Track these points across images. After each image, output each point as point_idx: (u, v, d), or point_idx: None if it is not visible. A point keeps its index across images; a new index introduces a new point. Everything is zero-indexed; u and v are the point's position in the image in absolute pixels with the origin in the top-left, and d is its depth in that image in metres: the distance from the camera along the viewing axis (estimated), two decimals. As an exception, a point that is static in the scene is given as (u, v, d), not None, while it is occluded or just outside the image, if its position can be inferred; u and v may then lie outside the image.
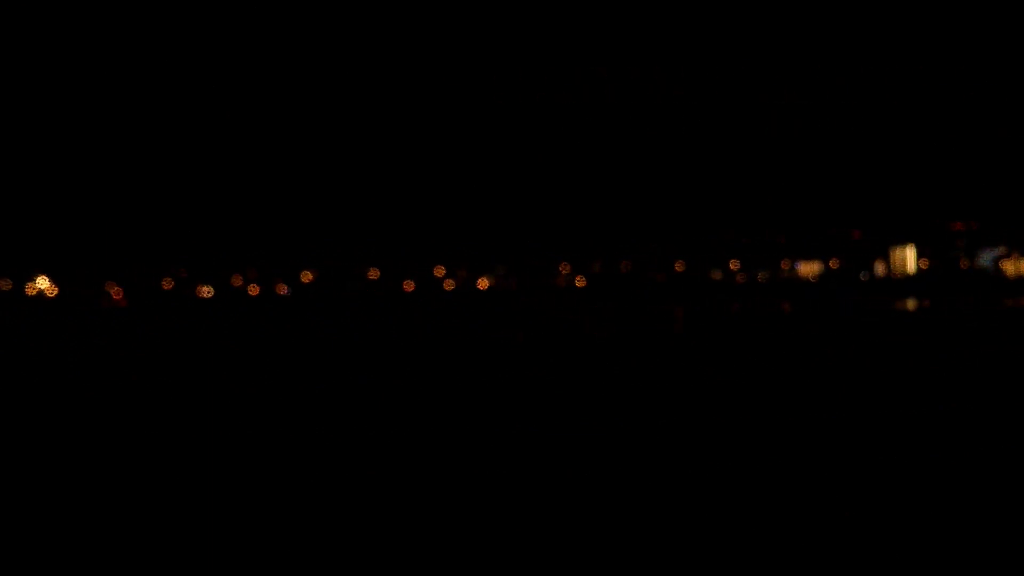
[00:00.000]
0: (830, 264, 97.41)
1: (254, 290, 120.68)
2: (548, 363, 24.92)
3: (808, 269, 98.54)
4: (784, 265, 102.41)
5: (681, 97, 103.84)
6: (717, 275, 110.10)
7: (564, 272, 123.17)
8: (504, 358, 27.36)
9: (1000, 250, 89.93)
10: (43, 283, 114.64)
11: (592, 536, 8.48)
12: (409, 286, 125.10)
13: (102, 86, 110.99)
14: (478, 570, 7.64)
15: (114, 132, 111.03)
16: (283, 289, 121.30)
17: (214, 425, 15.31)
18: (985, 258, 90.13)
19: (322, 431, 14.34)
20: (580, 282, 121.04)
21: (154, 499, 10.18)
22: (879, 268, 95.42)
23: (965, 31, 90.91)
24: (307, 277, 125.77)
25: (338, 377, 22.84)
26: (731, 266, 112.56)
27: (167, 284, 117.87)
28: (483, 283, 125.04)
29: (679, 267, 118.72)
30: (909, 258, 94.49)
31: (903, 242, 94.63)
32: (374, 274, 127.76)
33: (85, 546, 8.71)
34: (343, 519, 9.12)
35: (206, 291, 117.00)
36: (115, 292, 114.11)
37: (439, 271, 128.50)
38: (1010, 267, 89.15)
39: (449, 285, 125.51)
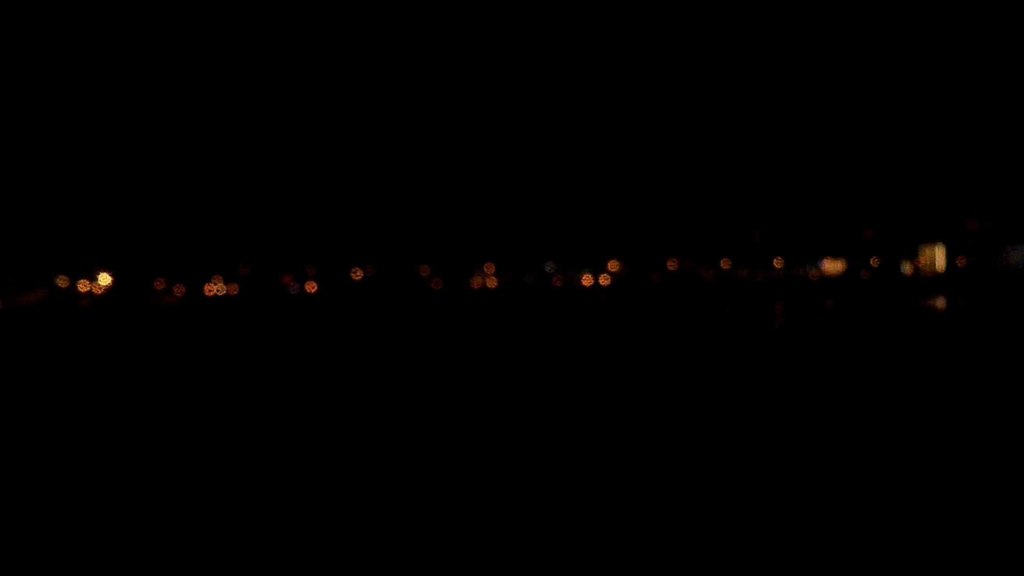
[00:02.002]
0: (870, 262, 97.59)
1: (293, 286, 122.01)
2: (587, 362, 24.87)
3: (832, 267, 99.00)
4: (824, 264, 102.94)
5: (720, 99, 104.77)
6: (743, 273, 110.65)
7: (614, 270, 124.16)
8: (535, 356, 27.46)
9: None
10: (104, 280, 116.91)
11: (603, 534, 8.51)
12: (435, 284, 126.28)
13: (166, 94, 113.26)
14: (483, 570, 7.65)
15: (168, 136, 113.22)
16: (312, 287, 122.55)
17: (224, 423, 15.57)
18: (1016, 256, 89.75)
19: (329, 429, 14.48)
20: (603, 280, 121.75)
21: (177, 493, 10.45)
22: (906, 267, 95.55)
23: (995, 29, 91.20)
24: (358, 274, 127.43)
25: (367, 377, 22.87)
26: (775, 263, 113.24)
27: (217, 281, 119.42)
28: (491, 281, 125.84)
29: (725, 264, 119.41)
30: (938, 256, 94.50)
31: (932, 241, 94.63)
32: (425, 271, 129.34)
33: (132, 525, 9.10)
34: (344, 517, 9.23)
35: (219, 287, 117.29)
36: (167, 289, 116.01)
37: (489, 268, 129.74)
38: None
39: (493, 282, 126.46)
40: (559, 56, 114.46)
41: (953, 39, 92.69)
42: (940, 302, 60.79)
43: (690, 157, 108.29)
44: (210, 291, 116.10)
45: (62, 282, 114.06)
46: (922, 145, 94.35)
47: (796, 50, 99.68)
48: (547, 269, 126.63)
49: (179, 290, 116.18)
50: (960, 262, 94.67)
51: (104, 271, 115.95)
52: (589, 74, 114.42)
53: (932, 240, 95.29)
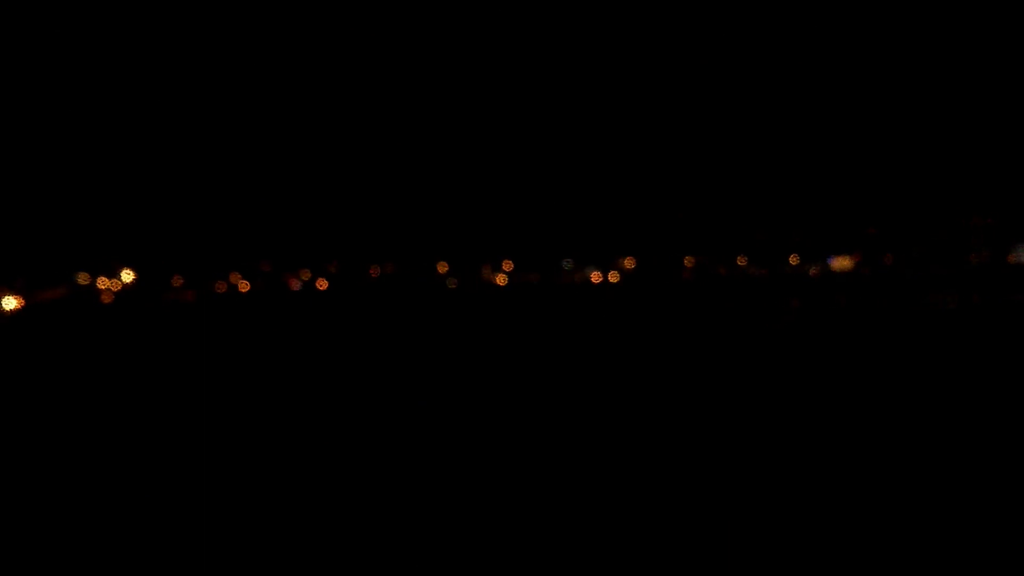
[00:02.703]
0: (872, 259, 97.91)
1: (322, 284, 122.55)
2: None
3: (840, 264, 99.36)
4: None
5: (732, 101, 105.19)
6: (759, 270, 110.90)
7: (629, 267, 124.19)
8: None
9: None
10: (124, 276, 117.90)
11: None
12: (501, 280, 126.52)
13: (187, 94, 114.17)
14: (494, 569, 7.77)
15: (190, 131, 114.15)
16: (323, 284, 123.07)
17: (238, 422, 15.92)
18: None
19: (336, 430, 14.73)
20: (613, 278, 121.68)
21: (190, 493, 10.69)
22: (915, 264, 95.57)
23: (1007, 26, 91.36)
24: (376, 272, 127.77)
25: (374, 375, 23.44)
26: (791, 260, 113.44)
27: (235, 279, 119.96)
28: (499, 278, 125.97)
29: (741, 262, 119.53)
30: (949, 254, 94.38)
31: (941, 238, 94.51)
32: (443, 268, 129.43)
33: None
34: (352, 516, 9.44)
35: (242, 285, 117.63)
36: (185, 286, 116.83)
37: (508, 265, 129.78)
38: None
39: (502, 280, 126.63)
40: (578, 58, 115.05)
41: (959, 36, 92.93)
42: (951, 300, 60.45)
43: (698, 156, 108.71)
44: (222, 288, 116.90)
45: (82, 279, 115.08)
46: (929, 142, 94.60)
47: (807, 52, 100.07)
48: (565, 266, 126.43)
49: (194, 287, 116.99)
50: (973, 259, 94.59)
51: (124, 268, 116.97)
52: (606, 76, 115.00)
53: (941, 237, 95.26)
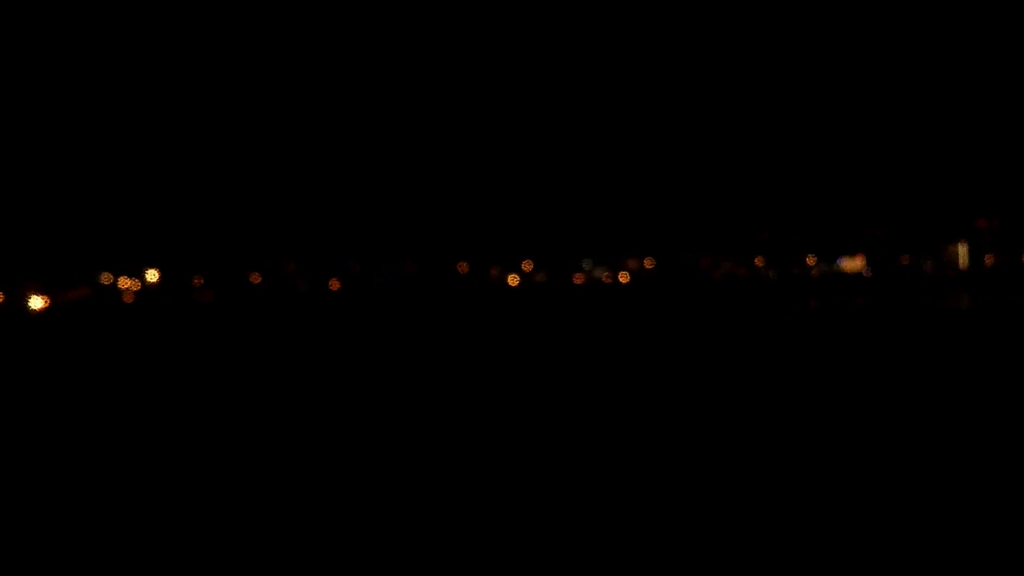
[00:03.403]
0: (878, 261, 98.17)
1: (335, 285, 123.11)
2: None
3: (851, 265, 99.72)
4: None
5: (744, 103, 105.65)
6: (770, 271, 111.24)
7: (648, 267, 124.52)
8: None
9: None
10: (146, 277, 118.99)
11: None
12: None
13: (207, 97, 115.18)
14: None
15: (213, 131, 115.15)
16: (336, 284, 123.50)
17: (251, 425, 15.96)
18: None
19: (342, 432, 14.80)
20: (623, 278, 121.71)
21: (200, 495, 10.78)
22: (928, 265, 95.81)
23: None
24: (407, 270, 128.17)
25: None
26: (808, 261, 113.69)
27: (256, 278, 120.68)
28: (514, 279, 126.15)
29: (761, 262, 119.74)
30: (962, 254, 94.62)
31: (955, 238, 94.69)
32: (463, 268, 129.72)
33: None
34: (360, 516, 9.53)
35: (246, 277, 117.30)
36: (204, 286, 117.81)
37: (527, 265, 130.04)
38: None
39: (514, 280, 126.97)
40: (597, 60, 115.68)
41: (964, 38, 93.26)
42: (962, 301, 60.25)
43: (699, 158, 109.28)
44: (239, 288, 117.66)
45: (105, 279, 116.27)
46: (938, 142, 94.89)
47: (815, 57, 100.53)
48: (584, 267, 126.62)
49: (213, 288, 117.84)
50: (988, 260, 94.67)
51: (147, 268, 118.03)
52: (623, 79, 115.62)
53: (954, 238, 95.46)
